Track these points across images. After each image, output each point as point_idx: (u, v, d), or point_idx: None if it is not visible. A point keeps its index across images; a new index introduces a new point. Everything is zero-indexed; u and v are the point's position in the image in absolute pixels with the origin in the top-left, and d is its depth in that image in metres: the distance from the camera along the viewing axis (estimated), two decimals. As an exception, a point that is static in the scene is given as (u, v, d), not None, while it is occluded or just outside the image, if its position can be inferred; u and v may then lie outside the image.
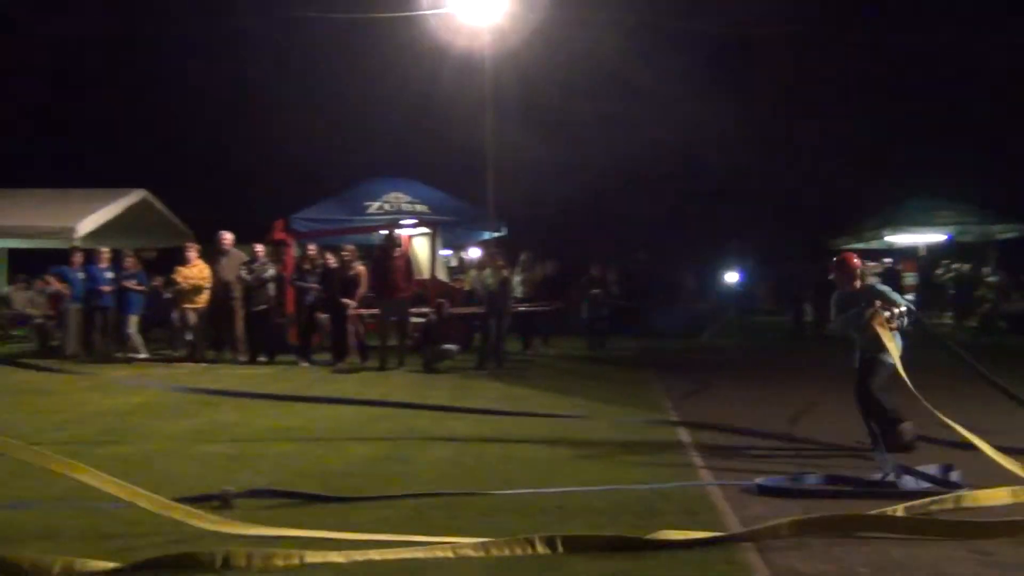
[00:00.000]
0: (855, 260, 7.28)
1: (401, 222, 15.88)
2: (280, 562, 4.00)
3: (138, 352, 14.05)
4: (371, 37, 24.05)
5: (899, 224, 21.34)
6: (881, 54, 29.09)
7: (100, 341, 14.19)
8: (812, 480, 5.67)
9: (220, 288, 13.75)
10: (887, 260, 22.44)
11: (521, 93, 25.42)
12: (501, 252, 14.53)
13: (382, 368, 12.63)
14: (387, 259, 13.20)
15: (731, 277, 34.05)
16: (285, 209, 16.63)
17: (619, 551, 4.23)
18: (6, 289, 17.91)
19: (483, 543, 4.24)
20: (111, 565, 3.96)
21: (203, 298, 13.84)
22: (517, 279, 15.67)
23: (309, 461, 6.42)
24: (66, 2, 29.20)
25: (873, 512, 4.71)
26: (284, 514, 4.91)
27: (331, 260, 13.68)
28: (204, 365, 13.11)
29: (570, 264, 18.73)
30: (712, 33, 25.46)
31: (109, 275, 14.21)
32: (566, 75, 27.41)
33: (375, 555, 4.12)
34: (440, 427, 7.70)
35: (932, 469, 5.74)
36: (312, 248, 14.47)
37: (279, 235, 15.40)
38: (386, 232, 14.25)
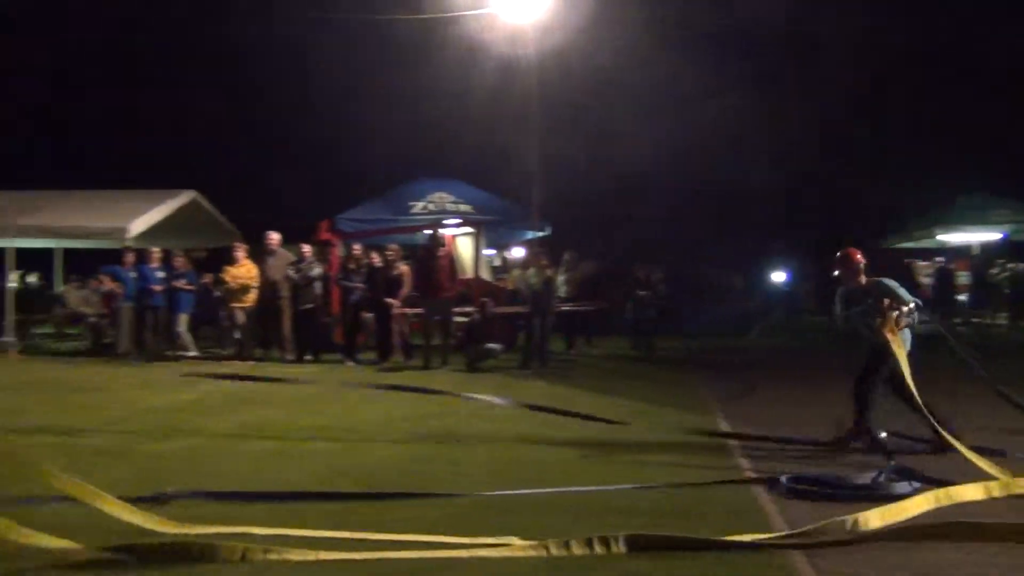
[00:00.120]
0: (858, 255, 7.15)
1: (445, 222, 15.94)
2: (295, 557, 4.05)
3: (188, 350, 14.30)
4: (415, 37, 24.14)
5: (952, 222, 20.89)
6: (939, 52, 28.53)
7: (151, 339, 14.47)
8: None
9: (267, 288, 13.93)
10: (939, 259, 21.98)
11: (565, 92, 25.35)
12: (545, 251, 14.52)
13: (426, 367, 12.67)
14: (431, 259, 13.25)
15: (778, 277, 33.62)
16: (330, 209, 16.82)
17: (680, 550, 4.20)
18: (61, 288, 18.35)
19: (542, 543, 4.23)
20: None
21: (251, 297, 14.03)
22: (561, 278, 15.63)
23: (351, 458, 6.47)
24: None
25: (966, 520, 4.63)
26: (321, 512, 4.95)
27: (376, 259, 13.77)
28: (252, 363, 13.29)
29: (613, 264, 18.63)
30: (761, 30, 25.18)
31: (160, 275, 14.46)
32: (610, 74, 27.26)
33: (394, 554, 4.15)
34: (485, 427, 7.70)
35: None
36: (357, 248, 14.58)
37: (324, 235, 15.56)
38: (430, 232, 14.30)
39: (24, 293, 18.73)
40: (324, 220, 15.98)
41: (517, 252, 21.02)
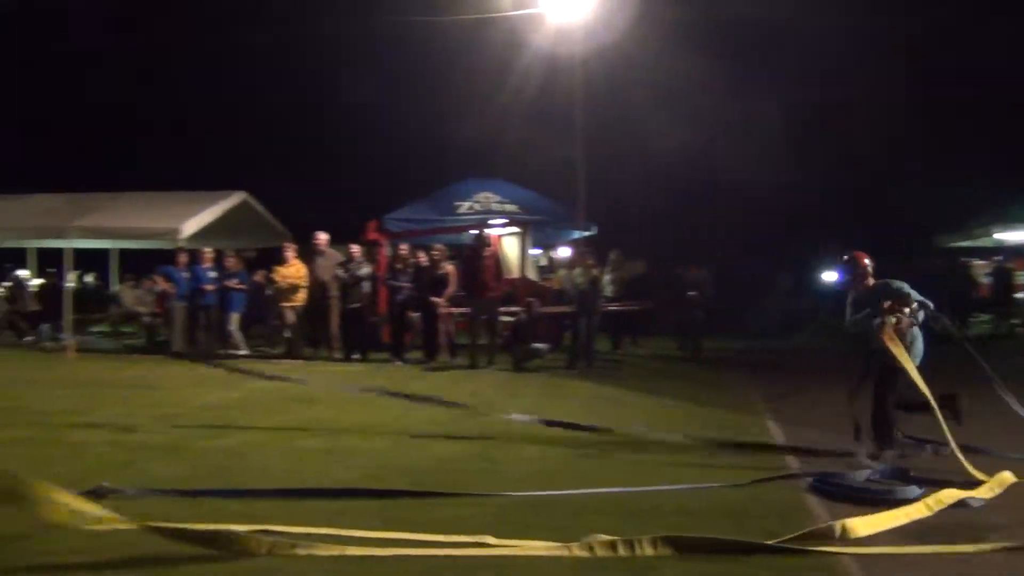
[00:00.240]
0: (865, 259, 7.06)
1: (491, 221, 15.98)
2: (322, 552, 4.13)
3: (239, 349, 14.54)
4: (461, 38, 24.21)
5: (1009, 221, 20.39)
6: (999, 50, 27.84)
7: (204, 338, 14.74)
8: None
9: (316, 287, 14.11)
10: (997, 258, 21.48)
11: (611, 91, 25.24)
12: (591, 251, 14.49)
13: (472, 366, 12.72)
14: (477, 258, 13.30)
15: (829, 277, 33.08)
16: (378, 210, 16.95)
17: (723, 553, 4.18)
18: (116, 288, 18.78)
19: (588, 543, 4.24)
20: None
21: (300, 296, 14.22)
22: (607, 278, 15.57)
23: (399, 456, 6.55)
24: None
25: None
26: (359, 509, 5.00)
27: (422, 259, 13.87)
28: (301, 362, 13.46)
29: (660, 263, 18.48)
30: (821, 28, 24.76)
31: (212, 274, 14.72)
32: (657, 74, 27.03)
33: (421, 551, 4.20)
34: (530, 428, 7.70)
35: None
36: (404, 248, 14.69)
37: (372, 235, 15.69)
38: (476, 232, 14.37)
39: (81, 293, 19.22)
40: (371, 220, 16.13)
41: (563, 252, 21.02)
